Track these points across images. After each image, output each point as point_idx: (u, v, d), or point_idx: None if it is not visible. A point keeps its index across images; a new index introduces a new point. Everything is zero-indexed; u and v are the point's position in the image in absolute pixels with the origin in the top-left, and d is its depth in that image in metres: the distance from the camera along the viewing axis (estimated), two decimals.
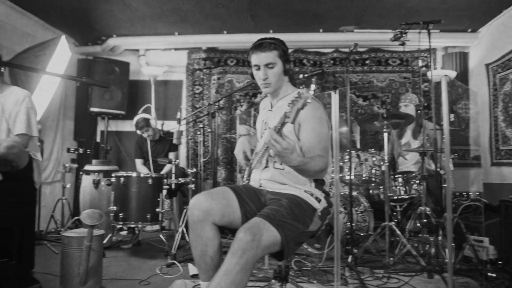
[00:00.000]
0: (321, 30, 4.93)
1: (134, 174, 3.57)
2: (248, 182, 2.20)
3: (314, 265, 3.17)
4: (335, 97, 2.50)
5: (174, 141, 3.63)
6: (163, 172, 4.31)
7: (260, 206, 1.96)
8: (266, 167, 2.06)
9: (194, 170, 3.71)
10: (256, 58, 2.00)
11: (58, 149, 4.90)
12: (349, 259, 3.05)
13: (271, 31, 4.88)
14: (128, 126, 5.35)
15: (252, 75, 2.12)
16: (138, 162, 4.52)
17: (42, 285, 2.63)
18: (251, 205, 1.95)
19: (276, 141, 1.63)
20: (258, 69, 2.01)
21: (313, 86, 1.53)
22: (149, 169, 4.42)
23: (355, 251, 3.22)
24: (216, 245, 1.87)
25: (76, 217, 2.87)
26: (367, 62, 5.23)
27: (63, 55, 3.97)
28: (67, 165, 4.27)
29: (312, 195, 1.93)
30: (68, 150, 4.43)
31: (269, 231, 1.64)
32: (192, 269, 3.03)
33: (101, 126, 5.48)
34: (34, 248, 2.92)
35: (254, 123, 4.96)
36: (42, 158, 3.04)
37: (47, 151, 4.70)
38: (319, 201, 1.93)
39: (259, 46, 1.99)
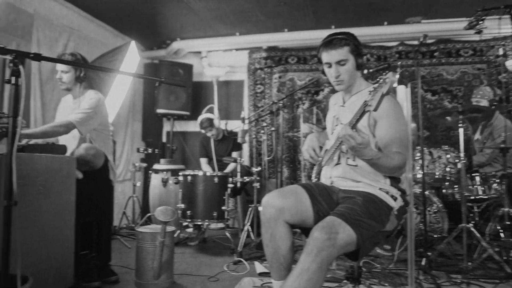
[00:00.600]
0: (385, 23, 4.74)
1: (200, 173, 3.65)
2: (318, 180, 2.16)
3: (384, 267, 3.04)
4: (406, 92, 2.38)
5: (239, 140, 3.66)
6: (226, 170, 4.38)
7: (332, 204, 1.91)
8: (337, 164, 2.00)
9: (259, 168, 3.72)
10: (326, 56, 1.95)
11: (127, 149, 5.16)
12: (423, 262, 2.89)
13: (332, 26, 4.78)
14: (192, 126, 5.50)
15: (323, 72, 2.07)
16: (203, 161, 4.63)
17: (119, 277, 2.77)
18: (323, 204, 1.90)
19: (351, 136, 1.59)
20: (330, 66, 1.96)
21: (392, 74, 1.46)
22: (213, 168, 4.51)
23: (429, 253, 3.05)
24: (288, 243, 1.85)
25: (149, 214, 2.98)
26: (435, 54, 4.94)
27: (132, 59, 4.17)
28: (137, 164, 4.48)
29: (387, 193, 1.85)
30: (138, 150, 4.65)
31: (344, 230, 1.59)
32: (259, 267, 3.04)
33: (166, 127, 5.69)
34: (110, 242, 3.08)
35: (317, 121, 4.89)
36: (114, 158, 3.23)
37: (118, 151, 4.96)
38: (395, 199, 1.85)
39: (329, 43, 1.94)
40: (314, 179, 2.24)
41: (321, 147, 2.21)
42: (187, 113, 5.20)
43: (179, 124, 5.57)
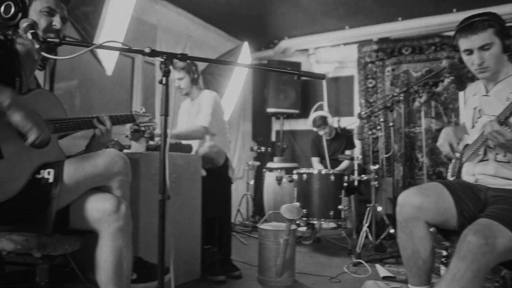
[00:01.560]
0: None
1: (315, 171, 3.59)
2: (457, 177, 1.95)
3: None
4: None
5: (356, 137, 3.53)
6: (339, 169, 4.26)
7: (479, 205, 1.70)
8: (483, 160, 1.78)
9: (377, 166, 3.53)
10: (466, 42, 1.73)
11: (239, 148, 5.34)
12: None
13: (454, 10, 4.35)
14: (301, 124, 5.48)
15: (460, 60, 1.86)
16: (315, 160, 4.55)
17: (241, 273, 2.84)
18: (468, 203, 1.70)
19: (499, 133, 1.41)
20: (470, 53, 1.74)
21: None
22: (326, 168, 4.41)
23: None
24: (429, 246, 1.69)
25: (271, 211, 3.01)
26: None
27: (245, 60, 4.28)
28: (250, 163, 4.59)
29: None
30: (252, 149, 4.77)
31: (504, 234, 1.39)
32: (382, 271, 2.87)
33: (275, 126, 5.76)
34: (230, 238, 3.19)
35: (436, 115, 4.50)
36: None
37: (231, 150, 5.16)
38: None
39: (469, 27, 1.72)
40: (451, 177, 2.03)
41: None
42: (297, 111, 5.19)
43: (288, 123, 5.59)
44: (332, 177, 3.53)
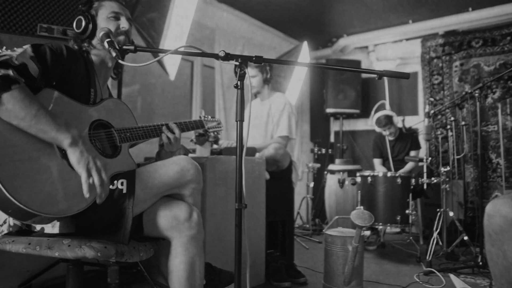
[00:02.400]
0: None
1: (380, 173, 3.43)
2: None
3: None
4: None
5: (424, 138, 3.32)
6: (403, 170, 4.05)
7: None
8: None
9: (448, 168, 3.30)
10: None
11: (297, 150, 5.25)
12: None
13: None
14: (361, 124, 5.29)
15: None
16: (377, 162, 4.36)
17: (306, 279, 2.76)
18: None
19: None
20: None
21: None
22: (389, 170, 4.21)
23: None
24: None
25: (337, 217, 2.90)
26: None
27: (304, 60, 4.19)
28: (310, 165, 4.49)
29: None
30: (312, 151, 4.67)
31: None
32: (459, 283, 2.66)
33: (334, 127, 5.61)
34: (293, 242, 3.11)
35: None
36: None
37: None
38: None
39: None
40: None
41: None
42: (357, 111, 5.01)
43: (347, 123, 5.42)
44: (399, 180, 3.35)
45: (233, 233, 1.21)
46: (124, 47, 1.30)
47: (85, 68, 1.47)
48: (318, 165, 4.50)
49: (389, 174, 3.40)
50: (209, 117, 2.02)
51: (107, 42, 1.30)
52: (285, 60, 1.48)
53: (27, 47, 1.26)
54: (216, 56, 1.23)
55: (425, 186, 3.34)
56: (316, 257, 3.45)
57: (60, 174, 1.21)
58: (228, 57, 1.23)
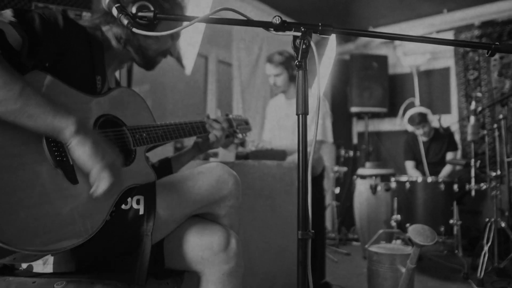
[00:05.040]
0: None
1: (419, 179, 3.06)
2: None
3: None
4: None
5: (470, 138, 2.94)
6: (441, 175, 3.67)
7: None
8: None
9: (499, 172, 2.91)
10: None
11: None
12: None
13: None
14: (387, 125, 4.91)
15: None
16: (409, 164, 3.98)
17: None
18: None
19: None
20: None
21: None
22: (423, 173, 3.83)
23: None
24: None
25: (381, 230, 2.54)
26: None
27: (331, 53, 3.84)
28: (336, 168, 4.11)
29: None
30: (339, 153, 4.29)
31: None
32: None
33: (357, 127, 5.23)
34: (325, 257, 2.76)
35: None
36: None
37: None
38: None
39: None
40: None
41: None
42: (384, 109, 4.62)
43: (372, 123, 5.03)
44: (442, 186, 2.98)
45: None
46: (140, 13, 0.94)
47: (89, 48, 1.11)
48: (345, 168, 4.12)
49: (429, 179, 3.04)
50: (235, 115, 1.67)
51: (116, 8, 0.94)
52: (371, 32, 1.10)
53: (6, 10, 0.91)
54: (268, 25, 0.88)
55: (473, 193, 2.96)
56: (347, 272, 3.10)
57: (51, 189, 0.86)
58: (284, 26, 0.88)
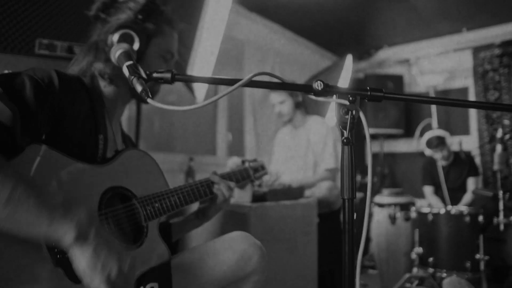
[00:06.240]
0: None
1: (442, 211, 2.89)
2: None
3: None
4: None
5: (497, 167, 2.79)
6: (462, 203, 3.50)
7: None
8: None
9: None
10: None
11: None
12: None
13: None
14: (403, 145, 4.75)
15: None
16: (428, 190, 3.80)
17: None
18: None
19: None
20: None
21: None
22: (443, 200, 3.65)
23: None
24: None
25: (409, 275, 2.36)
26: None
27: (347, 75, 3.70)
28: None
29: None
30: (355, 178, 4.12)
31: None
32: None
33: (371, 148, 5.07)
34: None
35: None
36: None
37: None
38: None
39: None
40: None
41: None
42: (401, 131, 4.46)
43: (386, 144, 4.86)
44: (467, 219, 2.81)
45: None
46: (156, 74, 0.79)
47: (90, 103, 0.98)
48: (362, 194, 3.94)
49: (453, 211, 2.86)
50: (250, 161, 1.54)
51: (128, 67, 0.80)
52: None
53: None
54: (309, 90, 0.75)
55: (501, 227, 2.78)
56: None
57: None
58: (327, 90, 0.74)
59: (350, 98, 0.73)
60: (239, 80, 0.77)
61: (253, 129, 3.59)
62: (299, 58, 4.36)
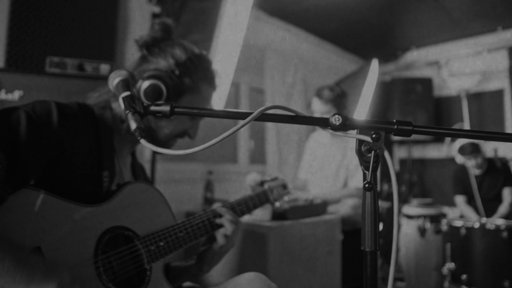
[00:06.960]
0: None
1: (476, 225, 2.71)
2: None
3: None
4: None
5: None
6: (498, 215, 3.28)
7: None
8: None
9: None
10: None
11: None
12: None
13: None
14: (433, 151, 4.54)
15: None
16: (460, 200, 3.58)
17: None
18: None
19: None
20: None
21: None
22: (477, 211, 3.44)
23: None
24: None
25: None
26: None
27: (373, 80, 3.56)
28: (379, 204, 3.77)
29: None
30: (382, 188, 3.95)
31: None
32: None
33: (398, 153, 4.87)
34: None
35: None
36: None
37: None
38: None
39: None
40: None
41: None
42: (430, 136, 4.26)
43: (414, 149, 4.66)
44: (505, 234, 2.62)
45: None
46: (153, 107, 0.71)
47: (97, 138, 0.91)
48: (389, 203, 3.77)
49: (489, 225, 2.68)
50: (270, 180, 1.44)
51: (124, 98, 0.73)
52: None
53: None
54: (326, 124, 0.65)
55: None
56: None
57: None
58: (346, 124, 0.64)
59: (374, 136, 0.63)
60: (245, 113, 0.68)
61: (275, 136, 3.50)
62: (323, 62, 4.24)
